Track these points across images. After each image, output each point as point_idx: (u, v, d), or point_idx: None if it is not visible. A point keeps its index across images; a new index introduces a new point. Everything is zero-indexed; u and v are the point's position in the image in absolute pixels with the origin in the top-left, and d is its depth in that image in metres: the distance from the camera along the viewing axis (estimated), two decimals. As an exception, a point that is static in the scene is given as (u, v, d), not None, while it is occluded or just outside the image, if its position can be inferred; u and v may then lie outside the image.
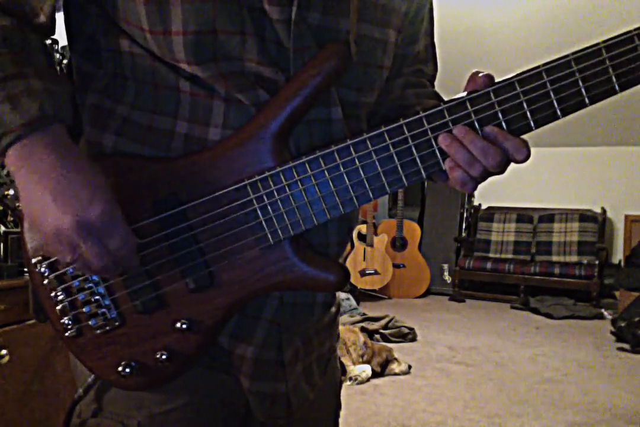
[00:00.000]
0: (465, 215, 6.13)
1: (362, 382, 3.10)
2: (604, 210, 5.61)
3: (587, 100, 0.60)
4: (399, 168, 0.64)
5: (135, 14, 0.63)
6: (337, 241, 0.73)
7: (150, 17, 0.62)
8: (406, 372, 3.31)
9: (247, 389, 0.73)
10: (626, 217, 5.60)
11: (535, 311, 5.04)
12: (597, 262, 5.26)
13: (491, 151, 0.62)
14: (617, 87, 0.59)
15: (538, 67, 0.60)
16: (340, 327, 3.44)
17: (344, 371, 0.94)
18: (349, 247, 5.42)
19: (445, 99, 0.66)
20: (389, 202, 6.39)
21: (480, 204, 6.19)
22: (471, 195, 6.18)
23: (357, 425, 2.60)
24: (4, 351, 1.57)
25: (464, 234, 6.08)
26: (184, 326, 0.66)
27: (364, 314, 4.42)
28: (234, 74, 0.64)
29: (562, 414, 2.76)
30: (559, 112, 0.60)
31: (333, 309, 0.83)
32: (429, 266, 5.80)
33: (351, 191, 0.64)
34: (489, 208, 6.11)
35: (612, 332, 4.07)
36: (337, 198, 0.65)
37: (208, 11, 0.61)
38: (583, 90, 0.59)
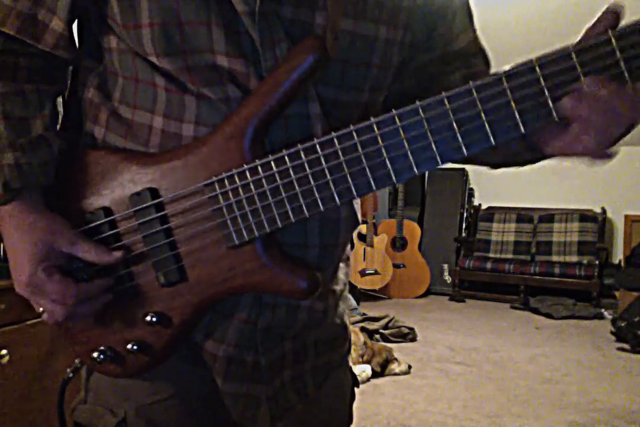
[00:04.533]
0: (465, 215, 6.13)
1: (362, 382, 3.10)
2: (604, 210, 5.61)
3: None
4: (368, 170, 0.60)
5: (112, 10, 0.65)
6: (319, 243, 0.70)
7: (122, 11, 0.64)
8: (406, 372, 3.31)
9: (221, 389, 0.73)
10: (626, 217, 5.60)
11: (535, 311, 5.04)
12: (597, 262, 5.25)
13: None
14: None
15: None
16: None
17: (356, 383, 0.93)
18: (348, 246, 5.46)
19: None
20: (389, 202, 6.40)
21: (480, 204, 6.19)
22: (471, 195, 6.18)
23: (357, 425, 2.60)
24: (4, 351, 1.57)
25: (464, 234, 6.08)
26: (154, 319, 0.68)
27: (364, 314, 4.42)
28: (203, 67, 0.64)
29: (562, 414, 2.75)
30: None
31: (337, 321, 0.81)
32: (429, 266, 5.80)
33: (315, 193, 0.62)
34: (489, 208, 6.11)
35: (612, 332, 4.06)
36: (301, 199, 0.62)
37: (172, 3, 0.62)
38: None
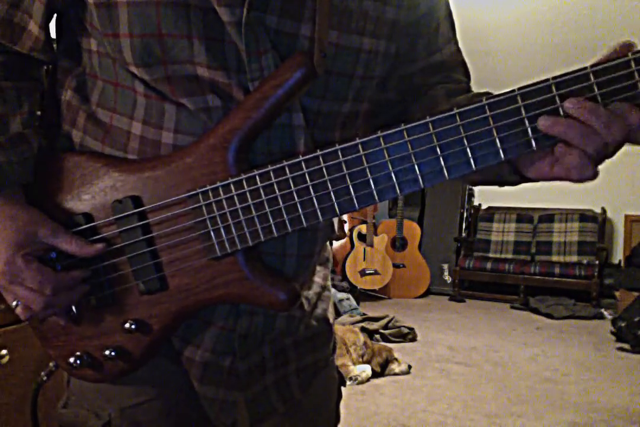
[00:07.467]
0: (465, 215, 6.12)
1: (362, 382, 3.10)
2: (604, 210, 5.61)
3: None
4: (333, 195, 0.61)
5: (91, 15, 0.64)
6: (297, 253, 0.71)
7: (101, 20, 0.63)
8: (406, 372, 3.31)
9: (197, 391, 0.73)
10: (626, 217, 5.59)
11: (535, 311, 5.04)
12: (597, 262, 5.25)
13: (616, 123, 0.53)
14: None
15: None
16: (341, 327, 3.44)
17: (343, 382, 0.93)
18: (348, 247, 5.45)
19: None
20: (389, 202, 6.39)
21: (480, 204, 6.19)
22: (471, 195, 6.17)
23: (357, 425, 2.60)
24: (4, 351, 1.57)
25: (464, 234, 6.08)
26: (132, 327, 0.68)
27: (364, 314, 4.42)
28: (183, 78, 0.63)
29: (562, 414, 2.76)
30: None
31: (313, 323, 0.81)
32: (429, 266, 5.80)
33: (299, 209, 0.62)
34: (489, 208, 6.11)
35: (612, 332, 4.07)
36: (284, 214, 0.63)
37: (152, 15, 0.61)
38: None
